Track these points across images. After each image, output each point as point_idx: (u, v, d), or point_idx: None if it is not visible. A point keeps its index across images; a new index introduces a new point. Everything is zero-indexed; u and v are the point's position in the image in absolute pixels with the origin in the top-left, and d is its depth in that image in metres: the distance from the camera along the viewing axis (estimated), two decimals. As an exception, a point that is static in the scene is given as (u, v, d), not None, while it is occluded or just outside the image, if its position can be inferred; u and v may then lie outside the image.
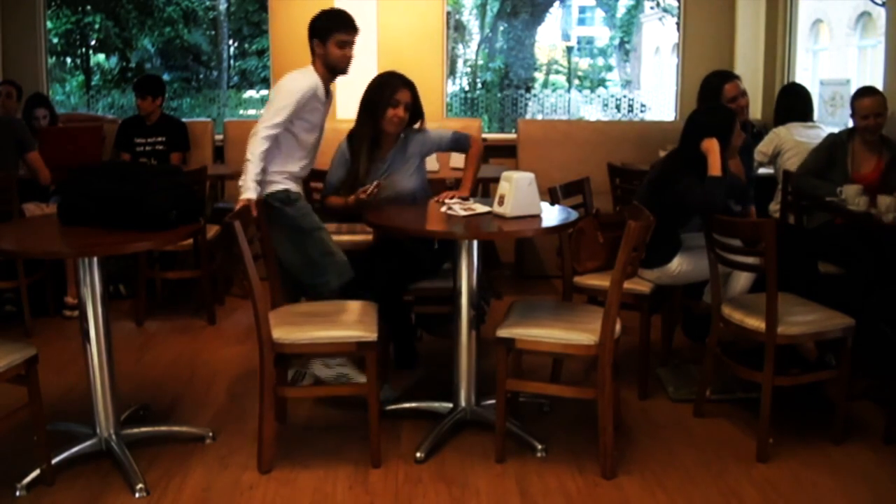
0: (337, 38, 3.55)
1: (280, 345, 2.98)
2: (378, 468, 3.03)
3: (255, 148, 3.44)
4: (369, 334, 3.00)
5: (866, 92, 4.17)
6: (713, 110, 3.81)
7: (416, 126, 3.79)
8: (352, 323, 3.08)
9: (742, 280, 3.69)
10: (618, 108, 14.29)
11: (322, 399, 3.66)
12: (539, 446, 3.16)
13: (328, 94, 3.67)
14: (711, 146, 3.55)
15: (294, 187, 3.64)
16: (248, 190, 3.41)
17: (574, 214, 3.35)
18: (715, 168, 3.52)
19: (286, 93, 3.50)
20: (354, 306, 3.27)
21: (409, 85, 3.68)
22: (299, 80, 3.54)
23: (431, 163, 5.32)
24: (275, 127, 3.47)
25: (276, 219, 3.54)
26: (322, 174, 3.87)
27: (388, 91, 3.63)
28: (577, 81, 17.14)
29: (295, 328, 3.03)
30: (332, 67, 3.59)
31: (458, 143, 3.87)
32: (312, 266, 3.60)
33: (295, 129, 3.59)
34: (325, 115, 3.71)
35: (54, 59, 13.91)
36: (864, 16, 11.11)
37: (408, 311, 3.86)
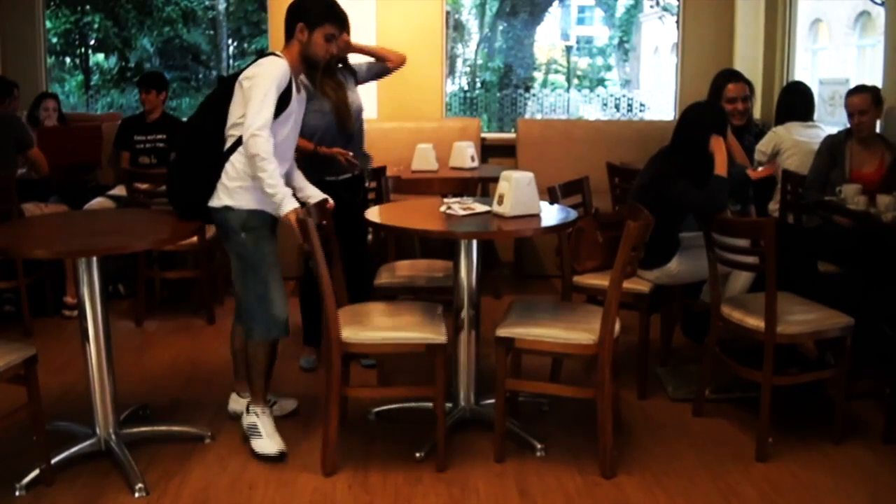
0: (327, 30, 3.18)
1: (348, 344, 2.97)
2: (443, 472, 3.02)
3: (260, 151, 2.88)
4: (439, 336, 3.00)
5: (854, 90, 4.18)
6: (707, 107, 3.81)
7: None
8: (421, 324, 3.06)
9: (741, 279, 3.69)
10: (617, 107, 14.31)
11: (322, 399, 3.66)
12: (538, 446, 3.17)
13: (299, 89, 3.16)
14: (718, 145, 3.55)
15: (257, 205, 3.04)
16: (286, 199, 2.94)
17: (573, 214, 3.35)
18: (721, 167, 3.52)
19: (264, 77, 2.95)
20: (416, 307, 3.24)
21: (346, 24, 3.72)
22: (272, 64, 3.00)
23: (431, 163, 5.33)
24: (268, 121, 2.92)
25: (224, 234, 3.14)
26: None
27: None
28: (576, 81, 17.15)
29: (363, 328, 3.02)
30: (310, 59, 3.13)
31: (377, 70, 4.01)
32: (245, 302, 3.15)
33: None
34: (300, 114, 3.21)
35: (53, 58, 13.90)
36: (864, 15, 11.11)
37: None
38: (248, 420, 3.19)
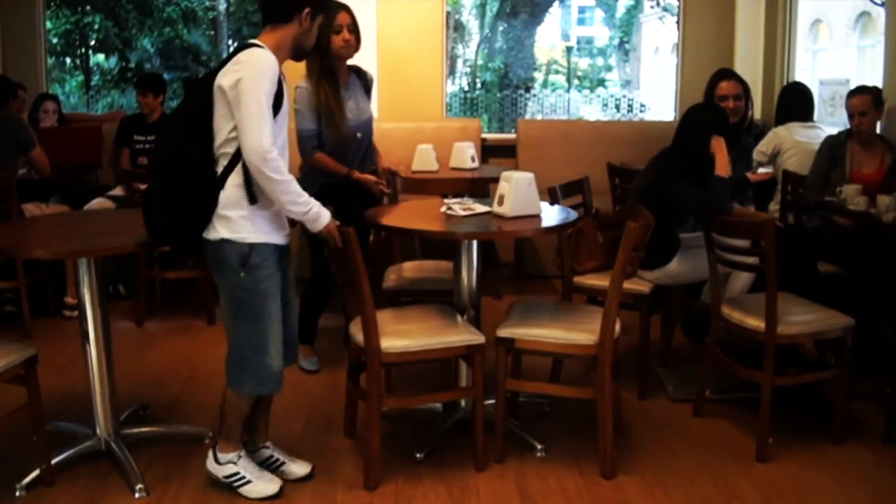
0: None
1: (388, 354, 2.90)
2: (482, 472, 3.01)
3: (275, 175, 2.52)
4: (477, 338, 2.99)
5: (855, 91, 4.19)
6: (708, 108, 3.82)
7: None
8: (454, 327, 3.04)
9: (742, 280, 3.69)
10: (617, 107, 14.31)
11: (320, 400, 3.66)
12: (539, 446, 3.17)
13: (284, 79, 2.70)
14: (719, 145, 3.55)
15: (261, 237, 2.63)
16: (321, 212, 2.68)
17: (573, 214, 3.35)
18: (722, 168, 3.52)
19: (252, 80, 2.48)
20: (433, 311, 3.21)
21: (344, 7, 3.63)
22: (258, 63, 2.52)
23: (431, 163, 5.33)
24: (271, 134, 2.50)
25: (218, 270, 2.67)
26: None
27: (328, 18, 3.46)
28: (576, 81, 17.15)
29: (400, 337, 2.94)
30: (301, 48, 2.72)
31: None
32: (235, 351, 2.72)
33: None
34: (286, 114, 2.74)
35: (54, 59, 13.90)
36: (864, 15, 11.12)
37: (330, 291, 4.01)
38: (223, 471, 2.82)
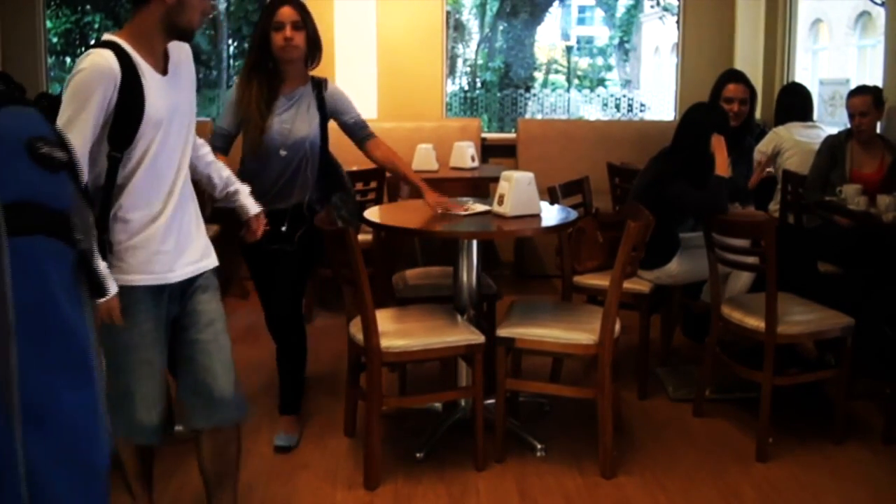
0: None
1: (389, 353, 2.91)
2: (481, 471, 3.01)
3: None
4: (477, 337, 2.99)
5: (855, 91, 4.19)
6: (708, 107, 3.82)
7: (316, 63, 3.22)
8: (453, 327, 3.04)
9: (742, 280, 3.69)
10: (617, 107, 14.30)
11: (320, 400, 3.66)
12: (539, 446, 3.17)
13: (163, 68, 2.20)
14: (719, 144, 3.55)
15: (120, 278, 2.12)
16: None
17: (573, 214, 3.35)
18: (722, 168, 3.52)
19: (77, 77, 2.07)
20: (432, 310, 3.21)
21: (289, 1, 3.11)
22: (91, 59, 2.07)
23: (431, 163, 5.32)
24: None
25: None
26: None
27: (267, 14, 3.10)
28: (576, 81, 17.15)
29: (401, 336, 2.95)
30: (177, 26, 2.15)
31: (356, 132, 3.30)
32: (109, 390, 2.01)
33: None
34: (183, 102, 2.30)
35: (54, 58, 13.90)
36: (864, 15, 11.12)
37: (302, 336, 3.32)
38: None
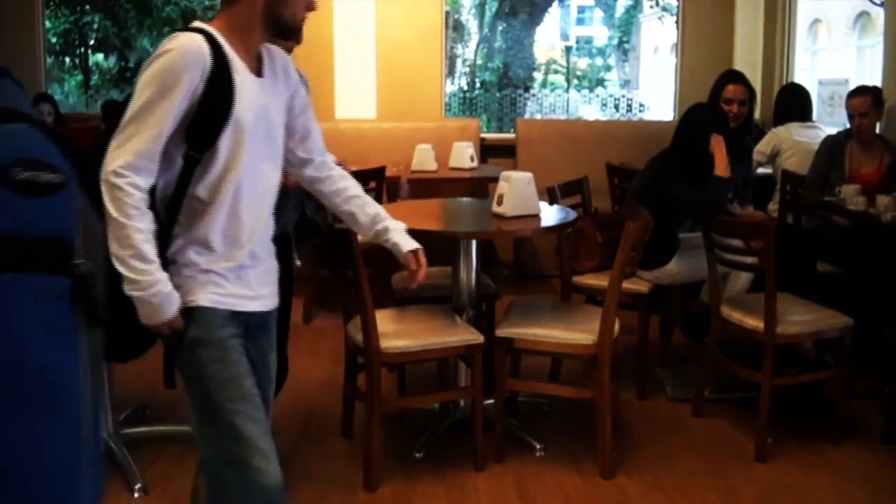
0: None
1: (388, 354, 2.90)
2: (481, 472, 3.01)
3: (108, 198, 1.75)
4: (476, 338, 2.99)
5: (855, 92, 4.20)
6: (707, 108, 3.82)
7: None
8: (452, 327, 3.04)
9: (741, 280, 3.69)
10: (616, 107, 14.30)
11: (320, 401, 3.65)
12: (538, 446, 3.17)
13: (259, 70, 1.93)
14: (719, 144, 3.55)
15: (211, 299, 1.87)
16: (154, 294, 1.80)
17: (573, 214, 3.35)
18: (721, 168, 3.52)
19: (163, 58, 1.78)
20: (430, 311, 3.21)
21: None
22: (181, 41, 1.80)
23: (430, 163, 5.33)
24: (138, 153, 1.78)
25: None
26: None
27: None
28: (575, 81, 17.16)
29: (400, 337, 2.95)
30: (276, 18, 1.88)
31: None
32: (196, 417, 1.94)
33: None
34: (273, 112, 1.97)
35: (53, 58, 13.89)
36: (863, 16, 11.12)
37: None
38: None
